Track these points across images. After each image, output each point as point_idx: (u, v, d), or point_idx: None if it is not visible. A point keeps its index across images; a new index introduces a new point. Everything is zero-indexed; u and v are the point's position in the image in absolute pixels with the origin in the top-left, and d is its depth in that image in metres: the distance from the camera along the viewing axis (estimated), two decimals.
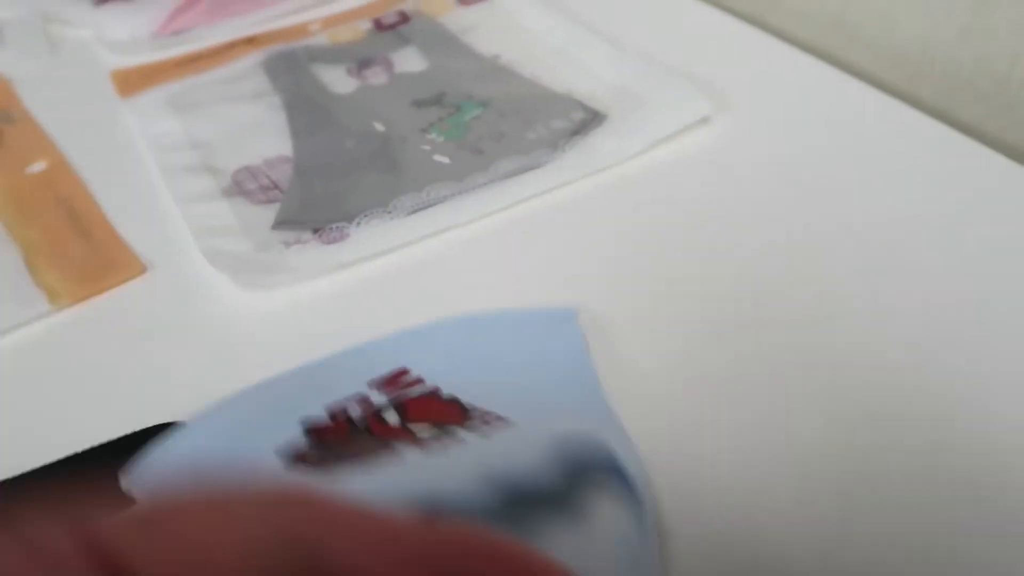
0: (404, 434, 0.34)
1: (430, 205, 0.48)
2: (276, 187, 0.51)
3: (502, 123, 0.54)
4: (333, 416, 0.35)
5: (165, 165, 0.53)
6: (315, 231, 0.47)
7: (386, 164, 0.52)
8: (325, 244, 0.46)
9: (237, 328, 0.43)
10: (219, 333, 0.43)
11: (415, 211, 0.48)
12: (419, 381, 0.36)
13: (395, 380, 0.37)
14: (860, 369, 0.38)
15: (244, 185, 0.51)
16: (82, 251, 0.48)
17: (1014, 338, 0.39)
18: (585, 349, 0.38)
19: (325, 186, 0.50)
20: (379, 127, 0.55)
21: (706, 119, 0.53)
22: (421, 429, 0.34)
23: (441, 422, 0.33)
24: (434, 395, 0.35)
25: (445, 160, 0.52)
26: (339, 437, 0.34)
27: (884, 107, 0.54)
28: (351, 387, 0.36)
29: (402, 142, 0.53)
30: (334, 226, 0.47)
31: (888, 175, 0.49)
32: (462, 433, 0.32)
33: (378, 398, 0.35)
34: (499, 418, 0.33)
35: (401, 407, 0.35)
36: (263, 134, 0.55)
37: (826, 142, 0.52)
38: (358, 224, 0.47)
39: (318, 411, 0.35)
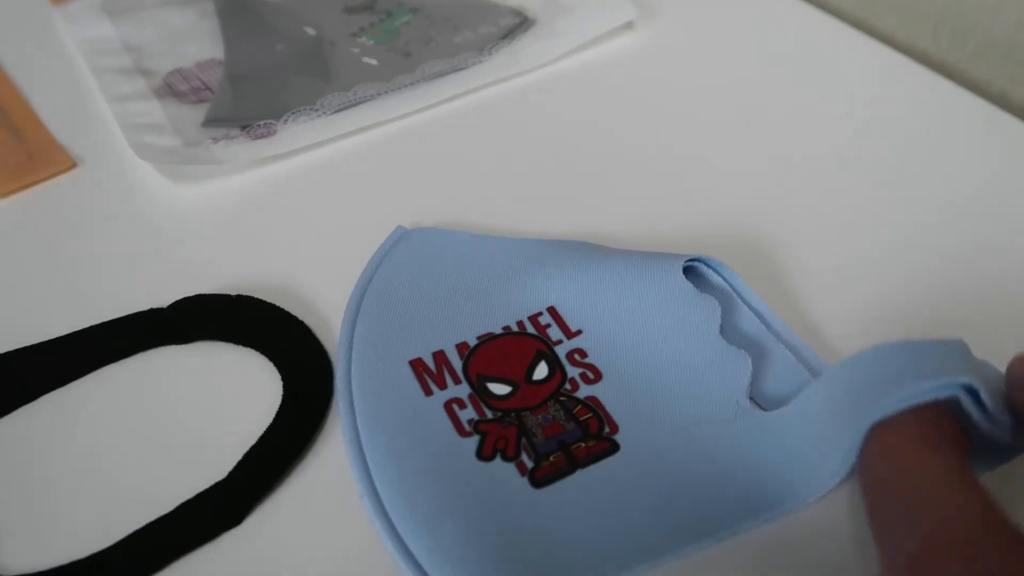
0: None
1: (357, 104, 0.50)
2: (207, 88, 0.52)
3: (431, 28, 0.55)
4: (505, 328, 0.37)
5: (97, 67, 0.53)
6: (243, 128, 0.48)
7: (316, 66, 0.53)
8: (252, 139, 0.48)
9: (166, 221, 0.44)
10: (149, 225, 0.44)
11: (342, 109, 0.49)
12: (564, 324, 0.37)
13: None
14: None
15: (176, 86, 0.52)
16: (9, 147, 0.48)
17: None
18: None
19: (255, 87, 0.51)
20: (310, 31, 0.56)
21: (631, 25, 0.55)
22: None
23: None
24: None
25: (373, 62, 0.53)
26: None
27: (812, 21, 0.56)
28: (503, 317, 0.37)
29: (332, 46, 0.54)
30: (262, 123, 0.48)
31: (819, 94, 0.51)
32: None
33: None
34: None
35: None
36: (196, 38, 0.56)
37: (752, 58, 0.53)
38: (285, 121, 0.49)
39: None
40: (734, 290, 0.37)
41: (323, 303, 0.39)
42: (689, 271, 0.37)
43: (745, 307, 0.37)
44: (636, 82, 0.51)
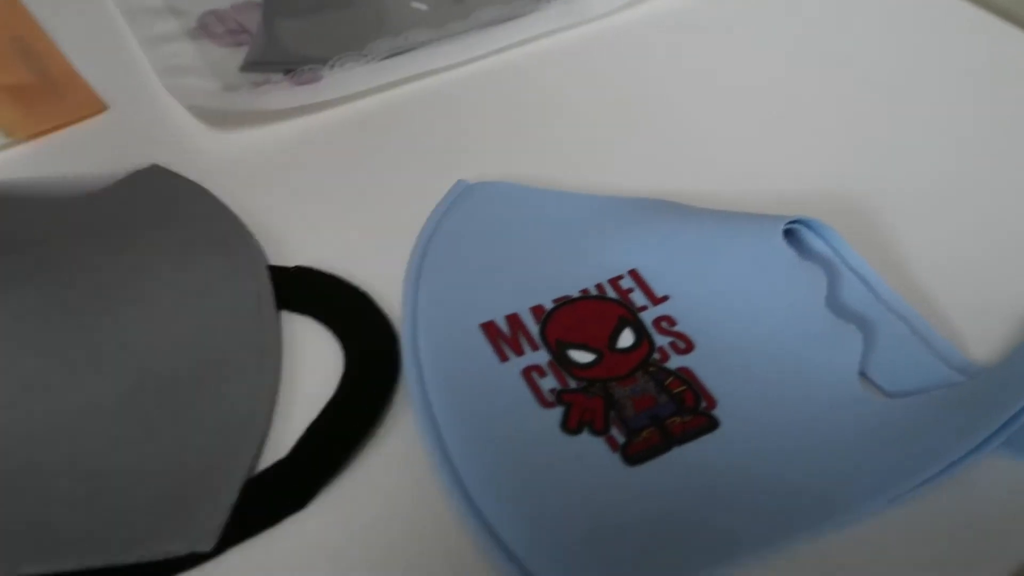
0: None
1: (407, 50, 0.46)
2: (244, 31, 0.49)
3: None
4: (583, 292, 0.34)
5: (128, 7, 0.50)
6: (286, 72, 0.45)
7: (362, 10, 0.49)
8: (296, 85, 0.44)
9: (203, 169, 0.41)
10: (184, 174, 0.41)
11: (391, 56, 0.46)
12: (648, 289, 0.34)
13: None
14: None
15: (210, 28, 0.49)
16: (37, 88, 0.45)
17: None
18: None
19: (297, 30, 0.48)
20: None
21: None
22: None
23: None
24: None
25: (423, 7, 0.49)
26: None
27: None
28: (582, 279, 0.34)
29: None
30: (306, 68, 0.45)
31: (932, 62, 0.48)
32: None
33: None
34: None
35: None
36: None
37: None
38: (331, 67, 0.45)
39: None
40: (839, 256, 0.34)
41: (378, 262, 0.36)
42: (788, 235, 0.34)
43: (851, 274, 0.33)
44: (707, 37, 0.48)
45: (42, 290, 0.32)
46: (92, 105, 0.44)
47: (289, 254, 0.36)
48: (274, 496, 0.28)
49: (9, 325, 0.31)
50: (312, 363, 0.33)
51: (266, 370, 0.31)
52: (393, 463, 0.30)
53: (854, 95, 0.44)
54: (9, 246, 0.34)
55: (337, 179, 0.40)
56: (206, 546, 0.27)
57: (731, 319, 0.32)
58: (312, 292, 0.35)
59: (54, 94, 0.45)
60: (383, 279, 0.35)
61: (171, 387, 0.30)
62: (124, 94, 0.45)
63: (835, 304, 0.33)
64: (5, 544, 0.26)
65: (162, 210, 0.37)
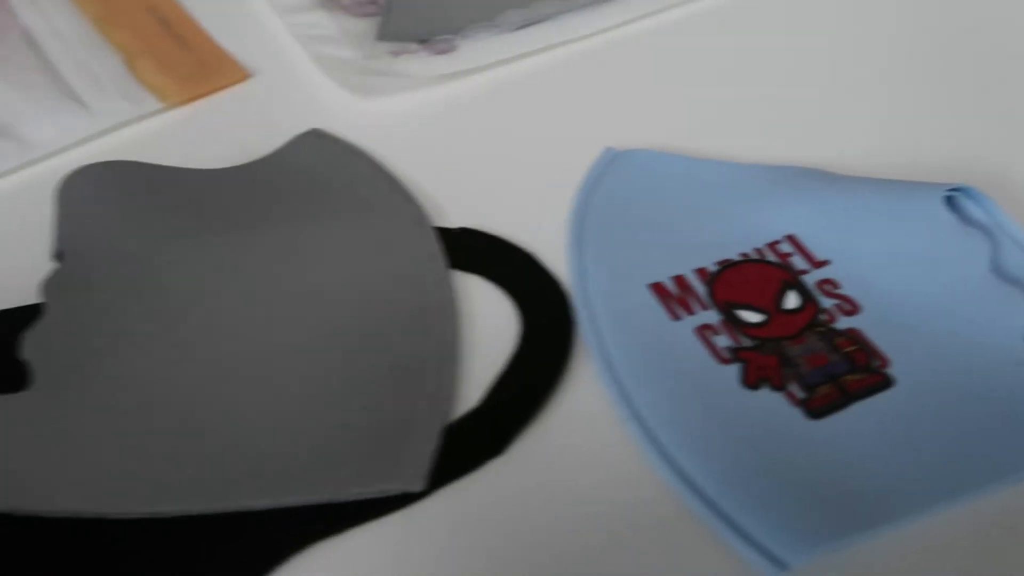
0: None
1: (537, 21, 0.47)
2: (373, 2, 0.50)
3: None
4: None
5: None
6: (421, 42, 0.46)
7: None
8: (433, 55, 0.45)
9: (344, 135, 0.42)
10: None
11: (522, 26, 0.47)
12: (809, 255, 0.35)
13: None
14: None
15: None
16: (181, 56, 0.46)
17: None
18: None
19: (425, 1, 0.49)
20: None
21: None
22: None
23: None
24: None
25: None
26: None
27: None
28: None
29: None
30: (441, 38, 0.46)
31: None
32: None
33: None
34: None
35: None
36: None
37: None
38: (465, 36, 0.46)
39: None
40: (997, 223, 0.35)
41: (531, 225, 0.37)
42: (947, 203, 0.35)
43: (1010, 242, 0.34)
44: (852, 3, 0.48)
45: (232, 246, 0.33)
46: (236, 73, 0.46)
47: (443, 217, 0.38)
48: (473, 442, 0.30)
49: (206, 275, 0.32)
50: (484, 319, 0.34)
51: (448, 323, 0.32)
52: (578, 415, 0.31)
53: (993, 63, 0.44)
54: (191, 209, 0.36)
55: (480, 146, 0.41)
56: (418, 486, 0.28)
57: (895, 282, 0.33)
58: (479, 252, 0.36)
59: (198, 62, 0.46)
60: (539, 242, 0.37)
61: (360, 339, 0.32)
62: (263, 63, 0.46)
63: (997, 270, 0.34)
64: (227, 479, 0.28)
65: (328, 172, 0.38)
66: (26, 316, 0.31)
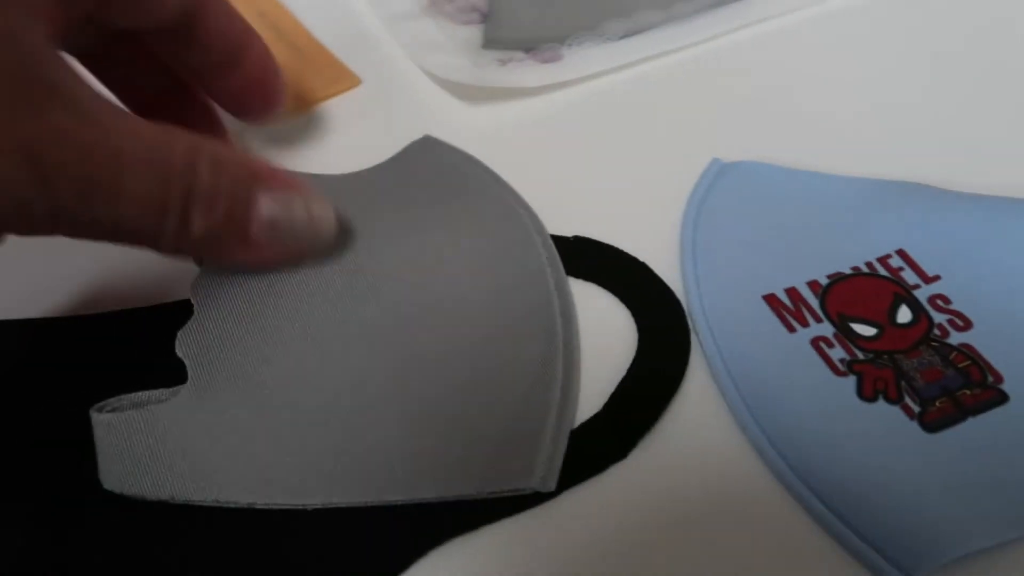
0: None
1: (639, 31, 0.48)
2: (475, 9, 0.51)
3: None
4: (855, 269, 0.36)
5: None
6: (527, 51, 0.47)
7: None
8: (540, 63, 0.47)
9: (454, 142, 0.43)
10: None
11: (625, 36, 0.48)
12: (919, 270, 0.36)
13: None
14: None
15: (442, 7, 0.51)
16: (295, 62, 0.48)
17: None
18: None
19: (529, 9, 0.50)
20: None
21: None
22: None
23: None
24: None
25: None
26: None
27: None
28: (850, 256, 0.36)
29: None
30: (547, 47, 0.47)
31: None
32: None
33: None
34: None
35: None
36: None
37: None
38: (570, 45, 0.47)
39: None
40: None
41: (640, 234, 0.38)
42: None
43: None
44: (951, 16, 0.49)
45: (360, 251, 0.35)
46: (348, 79, 0.47)
47: (552, 226, 0.39)
48: (598, 446, 0.31)
49: (336, 278, 0.34)
50: (601, 326, 0.35)
51: (570, 327, 0.34)
52: (697, 422, 0.32)
53: None
54: None
55: (586, 155, 0.43)
56: (550, 486, 0.30)
57: (1007, 299, 0.34)
58: (593, 260, 0.37)
59: (311, 68, 0.48)
60: (647, 252, 0.38)
61: (489, 343, 0.33)
62: (370, 70, 0.48)
63: None
64: (368, 474, 0.30)
65: (445, 179, 0.40)
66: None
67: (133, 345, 0.35)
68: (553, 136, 0.44)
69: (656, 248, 0.38)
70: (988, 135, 0.42)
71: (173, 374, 0.31)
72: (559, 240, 0.38)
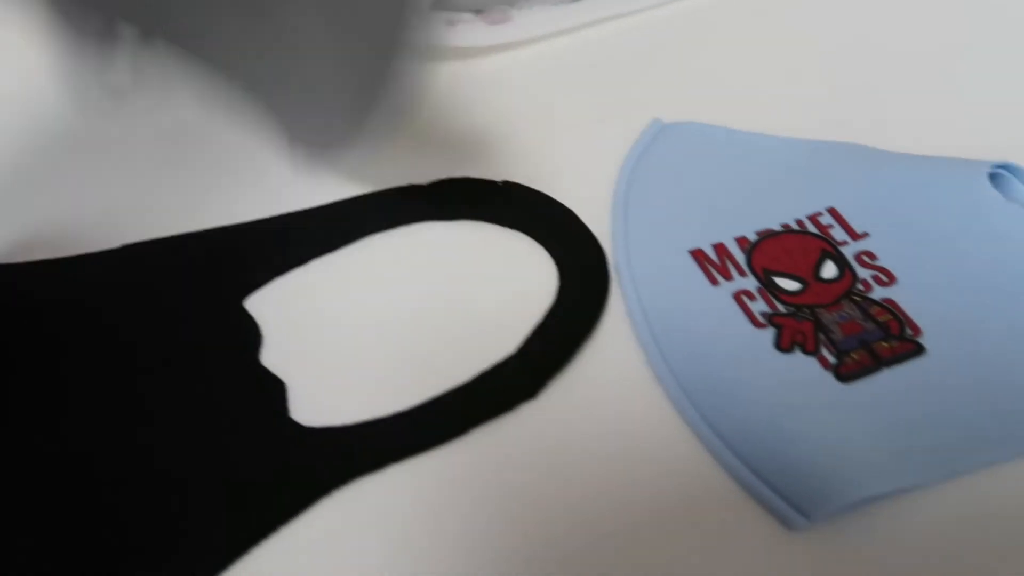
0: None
1: None
2: None
3: None
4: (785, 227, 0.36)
5: None
6: (476, 12, 0.47)
7: None
8: (489, 24, 0.47)
9: None
10: None
11: (574, 0, 0.48)
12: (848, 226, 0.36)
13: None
14: None
15: None
16: None
17: None
18: None
19: None
20: None
21: None
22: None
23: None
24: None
25: None
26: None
27: None
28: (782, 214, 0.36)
29: None
30: (496, 9, 0.47)
31: None
32: None
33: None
34: None
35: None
36: None
37: None
38: (520, 8, 0.47)
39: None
40: None
41: (577, 187, 0.38)
42: (992, 180, 0.35)
43: None
44: None
45: None
46: None
47: (494, 175, 0.39)
48: (509, 385, 0.31)
49: None
50: (521, 272, 0.35)
51: None
52: (612, 368, 0.32)
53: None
54: None
55: (530, 115, 0.42)
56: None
57: (933, 255, 0.34)
58: (521, 205, 0.37)
59: None
60: (582, 202, 0.38)
61: None
62: None
63: None
64: None
65: None
66: None
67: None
68: (500, 96, 0.44)
69: (592, 202, 0.38)
70: (919, 98, 0.42)
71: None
72: (489, 185, 0.38)
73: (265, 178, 0.39)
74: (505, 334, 0.33)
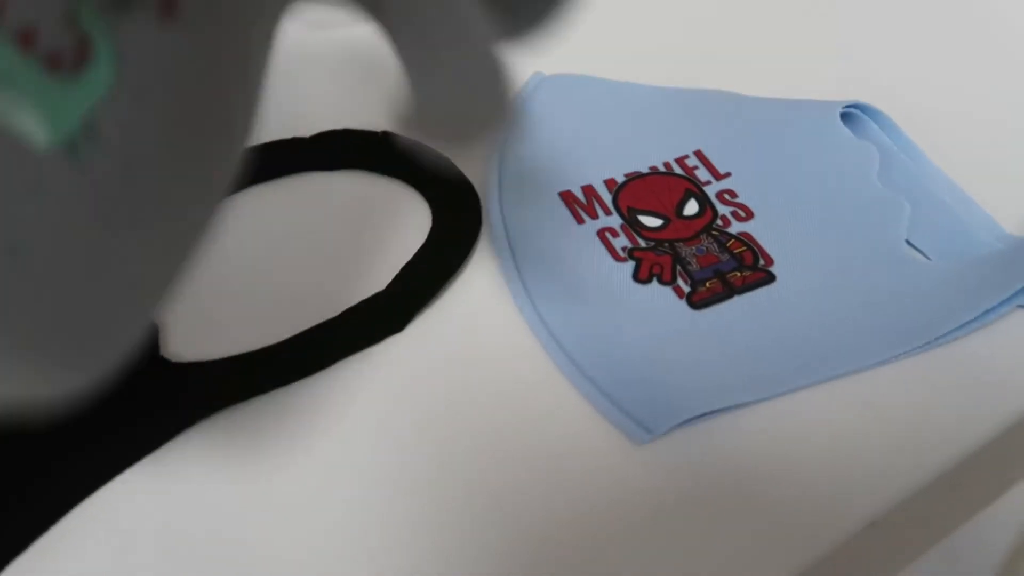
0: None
1: None
2: None
3: None
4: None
5: None
6: None
7: None
8: None
9: (288, 64, 0.43)
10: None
11: None
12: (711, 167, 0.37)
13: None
14: None
15: None
16: None
17: None
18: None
19: None
20: None
21: None
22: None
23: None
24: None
25: None
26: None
27: None
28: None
29: None
30: None
31: None
32: None
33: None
34: None
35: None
36: None
37: None
38: None
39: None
40: (891, 137, 0.37)
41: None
42: (844, 119, 0.37)
43: (901, 155, 0.36)
44: None
45: None
46: None
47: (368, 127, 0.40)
48: (377, 319, 0.32)
49: None
50: (396, 217, 0.36)
51: None
52: (478, 302, 0.33)
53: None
54: None
55: None
56: None
57: (788, 190, 0.36)
58: (398, 154, 0.38)
59: None
60: (463, 157, 0.39)
61: None
62: None
63: (886, 179, 0.36)
64: None
65: None
66: None
67: None
68: (381, 56, 0.44)
69: (472, 152, 0.39)
70: (781, 46, 0.44)
71: None
72: (367, 135, 0.39)
73: None
74: (380, 275, 0.34)
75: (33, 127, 0.16)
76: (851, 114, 0.37)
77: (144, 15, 0.16)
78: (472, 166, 0.38)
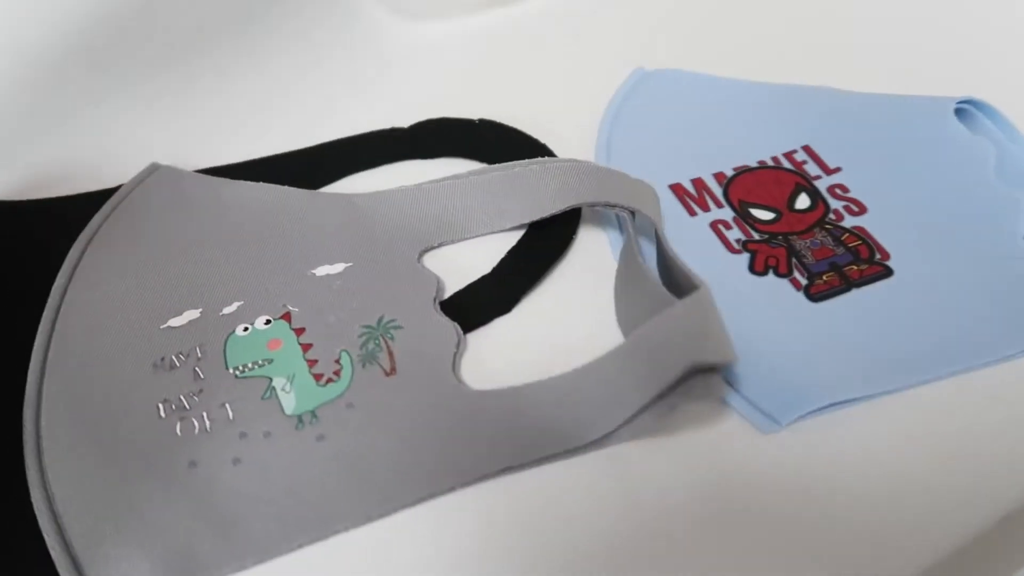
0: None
1: None
2: None
3: None
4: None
5: None
6: None
7: None
8: None
9: (396, 55, 0.44)
10: (379, 59, 0.45)
11: None
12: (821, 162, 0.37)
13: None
14: None
15: None
16: None
17: None
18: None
19: None
20: None
21: None
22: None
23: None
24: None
25: None
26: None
27: None
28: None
29: None
30: None
31: None
32: None
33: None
34: None
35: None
36: None
37: None
38: None
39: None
40: (1005, 133, 0.37)
41: (563, 133, 0.40)
42: (957, 115, 0.37)
43: (1016, 150, 0.36)
44: None
45: None
46: None
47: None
48: (485, 301, 0.33)
49: None
50: None
51: None
52: (584, 288, 0.34)
53: None
54: None
55: (521, 64, 0.44)
56: None
57: (902, 185, 0.35)
58: (496, 142, 0.39)
59: None
60: (568, 143, 0.39)
61: None
62: None
63: (1001, 175, 0.35)
64: None
65: None
66: None
67: None
68: (488, 51, 0.45)
69: (578, 144, 0.39)
70: (887, 42, 0.43)
71: None
72: (467, 124, 0.39)
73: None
74: (481, 258, 0.35)
75: (289, 401, 0.29)
76: (963, 110, 0.37)
77: (377, 368, 0.30)
78: (576, 156, 0.38)
